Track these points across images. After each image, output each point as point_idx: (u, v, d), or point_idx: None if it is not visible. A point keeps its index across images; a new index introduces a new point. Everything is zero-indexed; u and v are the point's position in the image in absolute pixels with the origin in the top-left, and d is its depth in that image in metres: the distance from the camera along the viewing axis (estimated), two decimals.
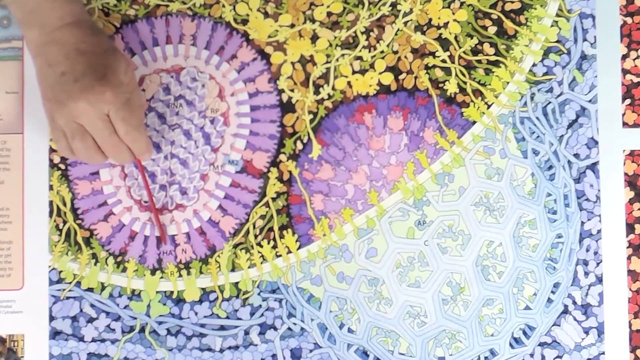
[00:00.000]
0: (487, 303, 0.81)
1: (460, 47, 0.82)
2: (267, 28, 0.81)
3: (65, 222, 0.80)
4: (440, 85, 0.82)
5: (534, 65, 0.82)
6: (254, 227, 0.80)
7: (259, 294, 0.80)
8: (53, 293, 0.80)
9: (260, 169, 0.81)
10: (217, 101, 0.81)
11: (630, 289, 0.81)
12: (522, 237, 0.81)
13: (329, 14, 0.82)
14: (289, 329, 0.80)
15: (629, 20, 0.83)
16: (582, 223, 0.82)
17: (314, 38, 0.81)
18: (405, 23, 0.82)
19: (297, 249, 0.81)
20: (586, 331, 0.81)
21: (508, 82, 0.82)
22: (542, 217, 0.81)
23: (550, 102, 0.82)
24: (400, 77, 0.82)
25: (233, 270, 0.80)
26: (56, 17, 0.73)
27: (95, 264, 0.80)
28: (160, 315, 0.80)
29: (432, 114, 0.82)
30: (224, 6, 0.81)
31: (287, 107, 0.81)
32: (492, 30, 0.82)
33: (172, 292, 0.80)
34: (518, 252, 0.81)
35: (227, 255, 0.80)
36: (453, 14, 0.82)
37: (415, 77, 0.82)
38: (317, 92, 0.81)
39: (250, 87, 0.81)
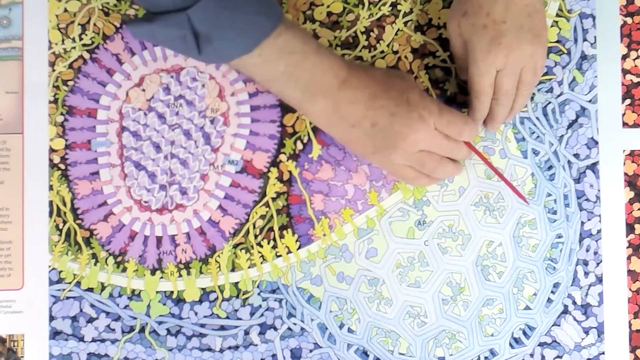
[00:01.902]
0: (487, 303, 0.81)
1: None
2: None
3: (65, 222, 0.80)
4: (440, 85, 0.82)
5: None
6: (254, 227, 0.80)
7: (259, 294, 0.80)
8: (53, 293, 0.80)
9: (260, 169, 0.81)
10: (217, 101, 0.81)
11: (630, 289, 0.82)
12: (522, 237, 0.81)
13: (329, 14, 0.82)
14: (289, 329, 0.80)
15: (629, 20, 0.83)
16: (582, 223, 0.82)
17: (314, 38, 0.81)
18: (406, 23, 0.82)
19: (297, 249, 0.81)
20: (586, 331, 0.81)
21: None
22: (542, 217, 0.81)
23: (550, 102, 0.82)
24: None
25: (233, 270, 0.80)
26: (332, 78, 0.71)
27: (95, 264, 0.80)
28: (160, 315, 0.80)
29: None
30: None
31: (287, 107, 0.81)
32: None
33: (172, 292, 0.80)
34: (518, 252, 0.81)
35: (227, 255, 0.80)
36: None
37: (416, 77, 0.82)
38: None
39: (250, 87, 0.81)
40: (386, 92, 0.72)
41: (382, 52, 0.82)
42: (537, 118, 0.82)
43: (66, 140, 0.80)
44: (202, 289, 0.80)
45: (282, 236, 0.81)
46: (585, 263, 0.81)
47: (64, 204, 0.80)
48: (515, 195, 0.80)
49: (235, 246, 0.80)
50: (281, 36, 0.69)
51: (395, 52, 0.82)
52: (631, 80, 0.83)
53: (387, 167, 0.76)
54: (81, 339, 0.80)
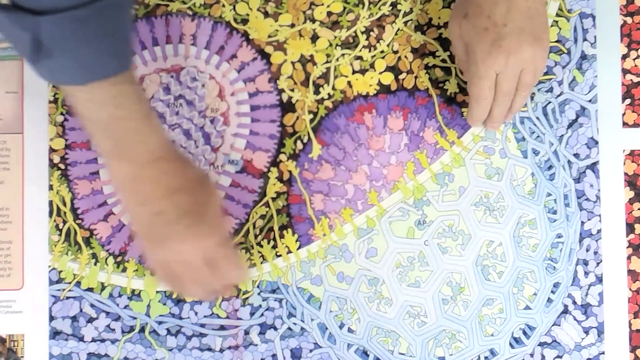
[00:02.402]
0: (487, 303, 0.81)
1: None
2: (267, 28, 0.81)
3: (65, 222, 0.80)
4: (440, 85, 0.82)
5: None
6: (254, 227, 0.80)
7: (259, 293, 0.80)
8: (53, 293, 0.80)
9: (260, 169, 0.81)
10: (217, 101, 0.81)
11: (630, 289, 0.81)
12: (522, 237, 0.81)
13: (329, 14, 0.82)
14: (289, 328, 0.80)
15: (629, 20, 0.83)
16: (582, 223, 0.82)
17: (314, 38, 0.81)
18: (406, 23, 0.82)
19: (297, 248, 0.81)
20: (586, 331, 0.81)
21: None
22: (542, 217, 0.81)
23: (550, 102, 0.82)
24: (401, 77, 0.82)
25: None
26: (146, 151, 0.69)
27: (95, 264, 0.80)
28: (160, 315, 0.80)
29: (432, 113, 0.82)
30: (224, 6, 0.81)
31: (287, 107, 0.81)
32: None
33: (172, 292, 0.80)
34: (518, 252, 0.81)
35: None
36: None
37: (416, 77, 0.82)
38: (317, 92, 0.81)
39: (250, 87, 0.81)
40: (188, 193, 0.70)
41: (382, 51, 0.82)
42: (537, 118, 0.82)
43: (66, 140, 0.80)
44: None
45: (282, 236, 0.81)
46: (586, 263, 0.81)
47: (64, 204, 0.80)
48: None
49: (236, 246, 0.80)
50: (117, 86, 0.66)
51: (395, 52, 0.82)
52: (631, 80, 0.83)
53: (148, 255, 0.74)
54: (81, 339, 0.79)
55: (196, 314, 0.80)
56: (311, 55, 0.81)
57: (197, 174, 0.72)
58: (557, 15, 0.82)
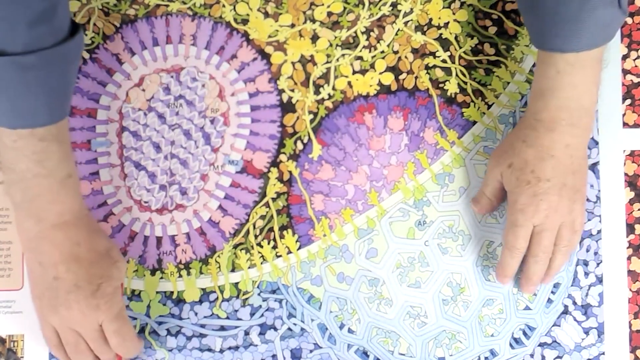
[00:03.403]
0: (487, 303, 0.81)
1: (460, 47, 0.82)
2: (267, 28, 0.81)
3: None
4: (441, 85, 0.82)
5: (534, 65, 0.82)
6: (254, 228, 0.80)
7: (259, 294, 0.80)
8: None
9: (261, 169, 0.81)
10: (217, 101, 0.81)
11: (630, 289, 0.82)
12: None
13: (330, 14, 0.82)
14: (289, 329, 0.80)
15: (629, 20, 0.83)
16: None
17: (315, 38, 0.81)
18: (406, 23, 0.82)
19: (297, 249, 0.80)
20: (586, 331, 0.81)
21: (508, 82, 0.82)
22: None
23: None
24: (401, 77, 0.82)
25: (233, 270, 0.80)
26: (55, 213, 0.69)
27: None
28: (160, 316, 0.80)
29: (432, 114, 0.82)
30: (224, 6, 0.81)
31: (287, 107, 0.81)
32: (493, 30, 0.82)
33: (172, 293, 0.80)
34: None
35: (227, 256, 0.80)
36: (453, 14, 0.82)
37: (416, 77, 0.82)
38: (317, 92, 0.81)
39: (251, 87, 0.81)
40: (88, 264, 0.71)
41: (383, 52, 0.82)
42: None
43: None
44: (202, 289, 0.80)
45: (282, 236, 0.80)
46: (586, 263, 0.81)
47: None
48: None
49: (236, 246, 0.80)
50: (43, 143, 0.66)
51: (396, 52, 0.82)
52: (631, 80, 0.83)
53: (39, 318, 0.74)
54: None
55: (196, 314, 0.80)
56: (311, 56, 0.81)
57: (103, 245, 0.73)
58: None
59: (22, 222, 0.71)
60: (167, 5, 0.81)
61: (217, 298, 0.80)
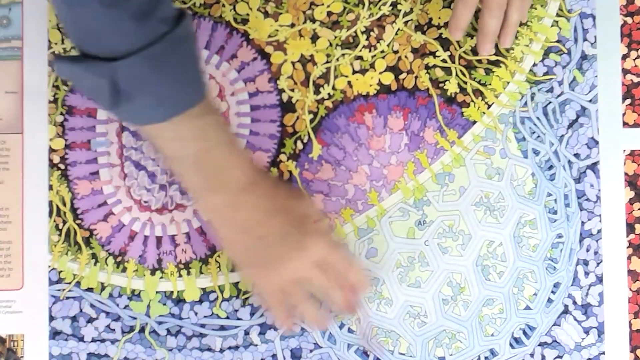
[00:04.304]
0: (488, 303, 0.81)
1: (460, 47, 0.82)
2: (267, 28, 0.81)
3: (65, 222, 0.80)
4: (441, 85, 0.82)
5: (534, 65, 0.82)
6: None
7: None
8: (53, 293, 0.79)
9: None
10: (217, 101, 0.81)
11: (630, 289, 0.81)
12: (522, 237, 0.81)
13: (329, 14, 0.82)
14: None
15: (629, 20, 0.83)
16: (583, 223, 0.82)
17: (314, 38, 0.81)
18: (406, 23, 0.82)
19: None
20: (586, 331, 0.81)
21: (508, 82, 0.82)
22: (543, 217, 0.81)
23: (550, 102, 0.82)
24: (401, 77, 0.82)
25: (233, 270, 0.80)
26: (237, 178, 0.70)
27: (95, 264, 0.80)
28: (160, 316, 0.80)
29: (432, 113, 0.82)
30: (224, 6, 0.81)
31: (287, 107, 0.81)
32: None
33: (172, 292, 0.80)
34: (518, 252, 0.81)
35: (227, 256, 0.80)
36: None
37: (416, 77, 0.82)
38: (317, 92, 0.81)
39: (251, 87, 0.81)
40: (286, 211, 0.71)
41: (383, 51, 0.82)
42: (538, 118, 0.82)
43: (66, 140, 0.80)
44: (202, 289, 0.80)
45: None
46: (586, 263, 0.81)
47: (64, 204, 0.80)
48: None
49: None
50: (200, 119, 0.67)
51: (396, 52, 0.82)
52: (631, 80, 0.83)
53: (255, 285, 0.75)
54: (81, 339, 0.79)
55: (196, 314, 0.80)
56: (311, 55, 0.81)
57: (288, 190, 0.74)
58: (557, 15, 0.82)
59: (208, 201, 0.71)
60: None
61: (217, 298, 0.80)
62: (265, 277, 0.73)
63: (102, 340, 0.80)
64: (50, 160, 0.80)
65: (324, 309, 0.76)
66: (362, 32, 0.82)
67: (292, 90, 0.81)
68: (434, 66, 0.82)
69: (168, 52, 0.64)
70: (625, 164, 0.82)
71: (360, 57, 0.82)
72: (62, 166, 0.80)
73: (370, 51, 0.82)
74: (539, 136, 0.82)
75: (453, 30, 0.76)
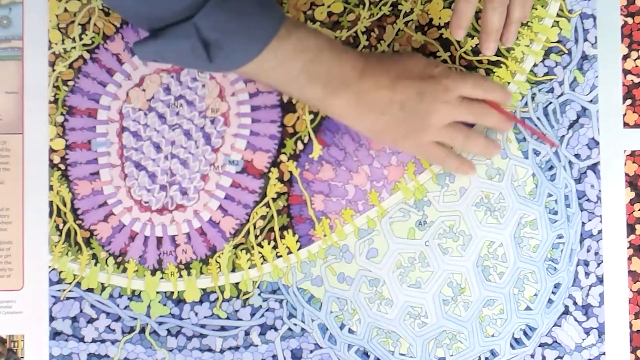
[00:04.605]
0: (488, 303, 0.81)
1: (461, 48, 0.82)
2: None
3: (65, 223, 0.80)
4: None
5: (534, 65, 0.82)
6: (255, 228, 0.80)
7: (259, 294, 0.80)
8: (53, 293, 0.79)
9: (261, 169, 0.81)
10: (217, 101, 0.81)
11: (631, 290, 0.81)
12: (522, 237, 0.81)
13: (330, 14, 0.82)
14: (290, 329, 0.80)
15: (629, 20, 0.83)
16: (583, 223, 0.82)
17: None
18: (406, 23, 0.82)
19: (298, 249, 0.80)
20: (587, 332, 0.81)
21: (509, 83, 0.82)
22: (543, 217, 0.81)
23: (551, 103, 0.82)
24: None
25: (233, 270, 0.80)
26: (351, 69, 0.72)
27: (95, 265, 0.80)
28: (161, 316, 0.80)
29: None
30: None
31: (287, 107, 0.81)
32: None
33: (172, 293, 0.80)
34: (519, 253, 0.81)
35: (227, 256, 0.80)
36: None
37: None
38: None
39: (251, 87, 0.81)
40: (407, 72, 0.73)
41: (383, 52, 0.82)
42: (538, 118, 0.82)
43: (66, 140, 0.80)
44: (203, 289, 0.80)
45: (282, 237, 0.80)
46: (586, 263, 0.81)
47: (64, 204, 0.80)
48: (548, 144, 0.80)
49: (236, 247, 0.80)
50: (292, 35, 0.68)
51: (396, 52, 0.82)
52: (632, 80, 0.83)
53: (418, 150, 0.77)
54: (81, 340, 0.79)
55: (196, 314, 0.80)
56: None
57: (396, 56, 0.76)
58: (558, 15, 0.82)
59: (337, 103, 0.72)
60: None
61: (217, 298, 0.80)
62: (424, 138, 0.75)
63: (103, 341, 0.80)
64: (51, 161, 0.80)
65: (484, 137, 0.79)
66: (363, 33, 0.82)
67: None
68: None
69: None
70: (625, 164, 0.82)
71: None
72: (62, 166, 0.80)
73: (370, 51, 0.81)
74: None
75: (455, 29, 0.76)
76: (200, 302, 0.80)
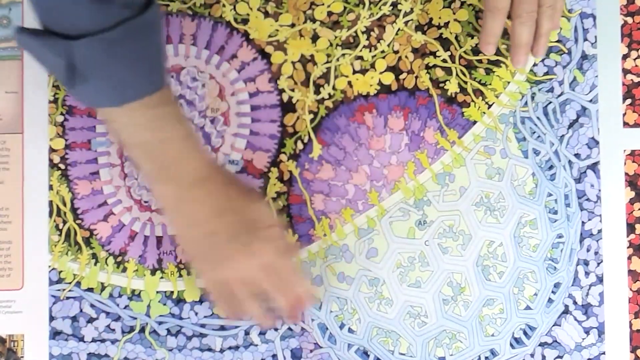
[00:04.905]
0: (488, 303, 0.81)
1: (461, 47, 0.82)
2: (267, 28, 0.81)
3: (65, 222, 0.80)
4: (441, 85, 0.82)
5: (534, 65, 0.82)
6: None
7: None
8: (53, 293, 0.79)
9: (261, 169, 0.81)
10: (217, 101, 0.81)
11: (630, 289, 0.81)
12: (522, 237, 0.81)
13: (330, 14, 0.82)
14: (290, 329, 0.80)
15: (629, 20, 0.83)
16: (583, 223, 0.82)
17: (315, 38, 0.81)
18: (406, 23, 0.82)
19: None
20: (587, 331, 0.81)
21: (509, 82, 0.82)
22: (543, 217, 0.81)
23: (551, 102, 0.82)
24: (401, 76, 0.82)
25: None
26: (190, 172, 0.70)
27: (95, 264, 0.80)
28: (161, 316, 0.80)
29: (432, 113, 0.82)
30: (224, 6, 0.81)
31: (287, 107, 0.81)
32: None
33: (172, 292, 0.80)
34: (519, 252, 0.81)
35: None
36: (454, 13, 0.82)
37: (416, 77, 0.82)
38: (317, 92, 0.81)
39: (251, 87, 0.81)
40: (235, 211, 0.71)
41: (383, 51, 0.82)
42: (538, 118, 0.82)
43: (66, 140, 0.80)
44: (203, 289, 0.80)
45: None
46: (586, 263, 0.81)
47: (64, 204, 0.80)
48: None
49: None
50: (155, 109, 0.67)
51: (396, 52, 0.82)
52: (632, 80, 0.83)
53: (204, 276, 0.75)
54: (81, 339, 0.79)
55: (196, 314, 0.80)
56: (311, 55, 0.81)
57: (242, 190, 0.73)
58: None
59: (159, 191, 0.72)
60: (167, 5, 0.81)
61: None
62: (211, 272, 0.73)
63: (102, 341, 0.80)
64: (51, 160, 0.80)
65: (270, 309, 0.75)
66: (363, 32, 0.82)
67: (293, 90, 0.81)
68: (435, 66, 0.82)
69: (127, 38, 0.64)
70: (625, 164, 0.82)
71: (360, 57, 0.82)
72: (62, 166, 0.80)
73: (370, 51, 0.82)
74: (539, 136, 0.82)
75: (484, 45, 0.76)
76: (200, 301, 0.80)
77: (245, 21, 0.81)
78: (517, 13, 0.75)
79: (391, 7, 0.82)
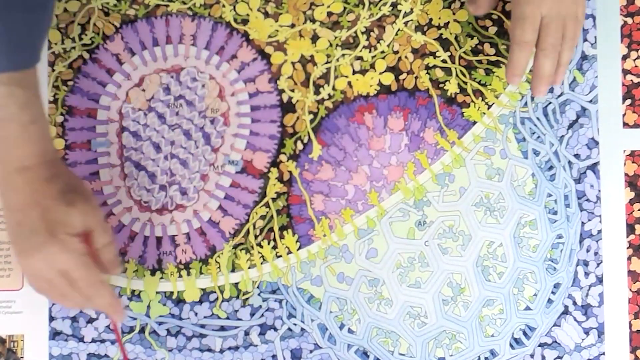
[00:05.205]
0: (488, 303, 0.81)
1: (460, 47, 0.82)
2: (267, 28, 0.81)
3: None
4: (441, 85, 0.82)
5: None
6: (254, 228, 0.80)
7: (259, 294, 0.80)
8: None
9: (261, 169, 0.81)
10: (217, 101, 0.81)
11: (630, 290, 0.81)
12: (522, 237, 0.81)
13: (330, 14, 0.82)
14: (289, 329, 0.80)
15: (629, 20, 0.83)
16: (583, 223, 0.82)
17: (315, 38, 0.81)
18: (406, 23, 0.82)
19: (298, 249, 0.80)
20: (586, 332, 0.81)
21: (509, 82, 0.82)
22: (543, 217, 0.81)
23: (550, 103, 0.82)
24: (401, 77, 0.82)
25: (233, 270, 0.80)
26: (17, 157, 0.69)
27: None
28: (160, 316, 0.80)
29: (432, 114, 0.82)
30: (224, 6, 0.81)
31: (287, 107, 0.81)
32: (493, 30, 0.82)
33: (172, 293, 0.80)
34: (518, 253, 0.81)
35: (227, 256, 0.80)
36: (453, 14, 0.82)
37: (416, 78, 0.82)
38: (317, 92, 0.81)
39: (251, 87, 0.81)
40: (44, 209, 0.69)
41: (383, 52, 0.82)
42: (538, 118, 0.82)
43: (66, 140, 0.80)
44: (202, 289, 0.80)
45: (282, 237, 0.80)
46: (586, 263, 0.81)
47: None
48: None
49: (236, 246, 0.80)
50: (5, 86, 0.66)
51: (396, 52, 0.82)
52: (631, 80, 0.83)
53: (17, 261, 0.73)
54: (81, 340, 0.79)
55: (196, 314, 0.80)
56: (311, 56, 0.81)
57: (65, 191, 0.70)
58: None
59: None
60: (167, 6, 0.81)
61: (217, 298, 0.80)
62: (21, 260, 0.71)
63: (102, 341, 0.80)
64: None
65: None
66: (362, 33, 0.82)
67: (292, 90, 0.81)
68: (434, 66, 0.82)
69: None
70: (625, 164, 0.82)
71: (360, 58, 0.82)
72: None
73: (370, 51, 0.82)
74: (539, 137, 0.82)
75: (510, 77, 0.77)
76: (200, 302, 0.80)
77: (245, 21, 0.81)
78: (542, 46, 0.76)
79: (391, 8, 0.82)
